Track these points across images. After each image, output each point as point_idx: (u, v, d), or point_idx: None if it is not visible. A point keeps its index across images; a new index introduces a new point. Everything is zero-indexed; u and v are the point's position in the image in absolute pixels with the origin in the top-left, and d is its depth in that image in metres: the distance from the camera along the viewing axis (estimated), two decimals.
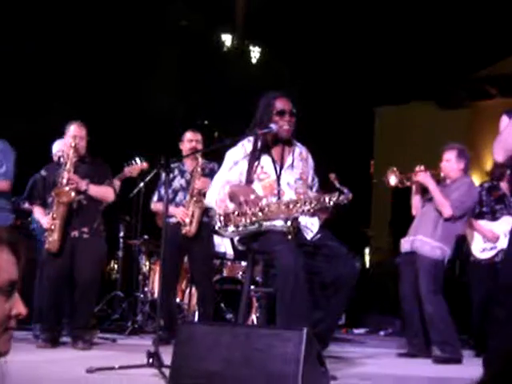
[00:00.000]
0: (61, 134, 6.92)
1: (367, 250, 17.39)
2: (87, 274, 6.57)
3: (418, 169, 6.81)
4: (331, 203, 4.80)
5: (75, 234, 6.61)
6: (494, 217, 7.41)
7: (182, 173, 7.49)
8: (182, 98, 14.48)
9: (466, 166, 6.80)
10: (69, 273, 6.59)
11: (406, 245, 6.83)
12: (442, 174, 6.82)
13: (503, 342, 4.88)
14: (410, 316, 6.78)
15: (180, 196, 7.42)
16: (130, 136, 13.33)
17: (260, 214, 4.72)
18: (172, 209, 7.29)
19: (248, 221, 4.73)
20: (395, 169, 6.87)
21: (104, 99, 13.06)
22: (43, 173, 6.87)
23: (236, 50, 16.91)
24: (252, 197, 4.70)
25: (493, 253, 7.30)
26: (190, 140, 7.49)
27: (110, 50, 13.43)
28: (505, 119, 4.87)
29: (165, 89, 13.91)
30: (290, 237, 4.63)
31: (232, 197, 4.79)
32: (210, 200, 4.98)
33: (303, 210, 4.76)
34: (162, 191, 7.29)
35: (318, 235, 4.87)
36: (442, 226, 6.62)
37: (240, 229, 4.76)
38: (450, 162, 6.77)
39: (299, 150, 5.09)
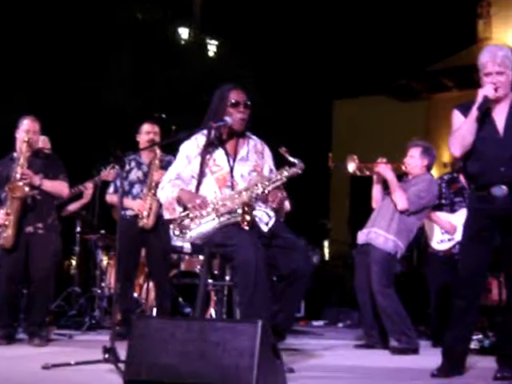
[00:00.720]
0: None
1: (326, 243, 17.48)
2: (42, 270, 6.49)
3: (379, 160, 6.83)
4: (284, 178, 4.82)
5: (30, 229, 6.52)
6: (452, 209, 7.46)
7: (139, 165, 7.44)
8: (139, 91, 14.40)
9: (429, 164, 6.85)
10: (24, 269, 6.51)
11: (362, 236, 6.87)
12: (403, 168, 6.86)
13: (461, 334, 4.94)
14: (365, 308, 6.82)
15: (137, 188, 7.37)
16: (86, 130, 13.23)
17: (213, 212, 4.71)
18: (128, 201, 7.25)
19: (203, 221, 4.72)
20: (355, 157, 6.88)
21: (59, 93, 12.94)
22: None
23: (193, 43, 16.85)
24: (198, 201, 4.69)
25: (450, 244, 7.35)
26: (147, 132, 7.46)
27: (66, 43, 13.31)
28: (457, 114, 4.93)
29: (122, 82, 13.83)
30: (246, 226, 4.62)
31: (179, 201, 4.81)
32: (161, 195, 4.98)
33: (257, 194, 4.75)
34: (118, 183, 7.25)
35: (274, 227, 4.86)
36: (398, 220, 6.66)
37: (195, 233, 4.74)
38: (414, 158, 6.81)
39: (254, 142, 5.07)
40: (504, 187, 4.71)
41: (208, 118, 4.94)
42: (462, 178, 7.58)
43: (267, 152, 5.15)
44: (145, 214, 7.18)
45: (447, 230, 7.37)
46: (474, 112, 4.73)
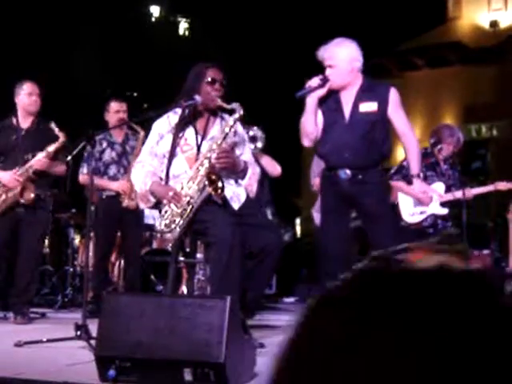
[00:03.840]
0: None
1: (298, 221, 17.56)
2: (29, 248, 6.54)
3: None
4: (228, 130, 4.85)
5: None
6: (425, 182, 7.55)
7: (112, 145, 7.36)
8: (110, 70, 14.34)
9: None
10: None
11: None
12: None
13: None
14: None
15: (113, 169, 7.29)
16: (57, 109, 13.15)
17: (188, 198, 4.74)
18: (111, 183, 7.21)
19: (183, 210, 4.76)
20: None
21: (27, 72, 12.84)
22: None
23: (164, 21, 16.80)
24: (170, 194, 4.73)
25: (422, 217, 7.35)
26: (117, 111, 7.38)
27: (35, 22, 13.21)
28: None
29: (93, 61, 13.76)
30: (220, 194, 4.67)
31: (152, 194, 4.85)
32: (135, 181, 4.99)
33: (212, 159, 4.78)
34: (93, 163, 7.22)
35: (245, 205, 4.92)
36: None
37: (181, 222, 4.78)
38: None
39: (225, 122, 5.08)
40: (348, 171, 4.96)
41: (183, 95, 4.95)
42: (435, 153, 7.65)
43: (238, 130, 5.18)
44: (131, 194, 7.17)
45: (422, 200, 7.36)
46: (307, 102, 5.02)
